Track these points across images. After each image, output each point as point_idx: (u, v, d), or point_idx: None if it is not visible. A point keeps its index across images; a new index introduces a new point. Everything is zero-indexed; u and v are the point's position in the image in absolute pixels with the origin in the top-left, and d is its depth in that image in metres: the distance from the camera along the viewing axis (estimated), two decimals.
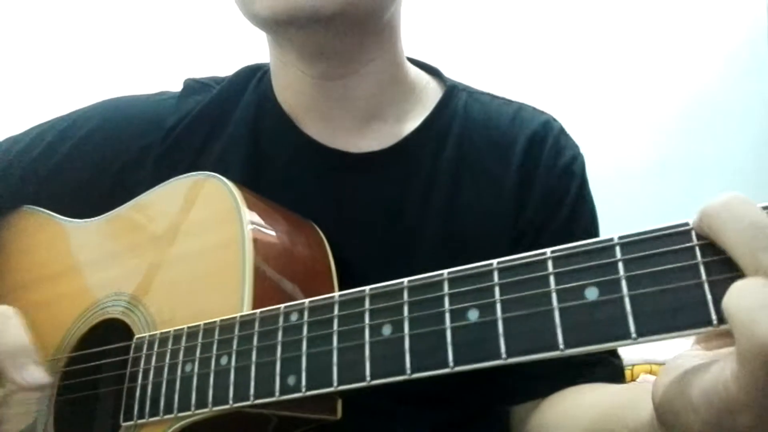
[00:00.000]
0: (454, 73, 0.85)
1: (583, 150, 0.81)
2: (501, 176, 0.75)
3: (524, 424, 0.73)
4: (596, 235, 0.78)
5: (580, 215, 0.77)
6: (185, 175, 0.72)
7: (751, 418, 0.34)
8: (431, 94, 0.80)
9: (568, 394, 0.69)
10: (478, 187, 0.75)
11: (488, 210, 0.74)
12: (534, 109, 0.82)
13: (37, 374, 0.61)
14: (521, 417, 0.74)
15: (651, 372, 1.57)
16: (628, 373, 1.54)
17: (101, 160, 0.81)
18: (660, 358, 1.53)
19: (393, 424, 0.72)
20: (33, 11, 2.22)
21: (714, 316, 0.35)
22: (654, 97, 2.14)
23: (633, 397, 0.53)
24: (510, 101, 0.82)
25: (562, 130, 0.80)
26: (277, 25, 0.67)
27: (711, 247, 0.36)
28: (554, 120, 0.80)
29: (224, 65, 0.90)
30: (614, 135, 2.11)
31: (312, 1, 0.63)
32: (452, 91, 0.80)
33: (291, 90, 0.77)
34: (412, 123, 0.77)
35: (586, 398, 0.66)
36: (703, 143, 2.09)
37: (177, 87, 0.86)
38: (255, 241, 0.62)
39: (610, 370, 0.72)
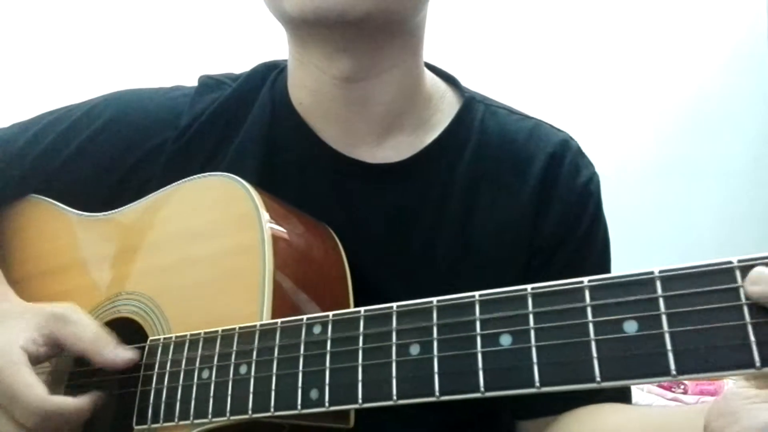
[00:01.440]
0: (457, 74, 0.84)
1: (583, 150, 0.82)
2: (518, 191, 0.75)
3: None
4: (609, 253, 0.79)
5: (595, 234, 0.77)
6: (202, 174, 0.71)
7: None
8: (449, 104, 0.80)
9: (584, 415, 0.69)
10: (493, 200, 0.75)
11: (504, 223, 0.74)
12: (551, 126, 0.81)
13: (124, 352, 0.63)
14: None
15: None
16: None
17: (114, 154, 0.79)
18: None
19: (400, 424, 0.72)
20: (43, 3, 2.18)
21: (757, 359, 0.35)
22: (654, 97, 2.14)
23: (668, 425, 0.53)
24: (527, 116, 0.82)
25: (579, 150, 0.80)
26: (305, 24, 0.66)
27: None
28: (571, 139, 0.81)
29: (239, 61, 0.89)
30: (614, 135, 2.12)
31: (341, 3, 0.63)
32: (470, 103, 0.80)
33: (309, 90, 0.76)
34: (430, 134, 0.77)
35: (604, 421, 0.66)
36: (703, 143, 2.10)
37: (191, 82, 0.85)
38: (275, 247, 0.62)
39: (620, 390, 0.72)
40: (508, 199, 0.75)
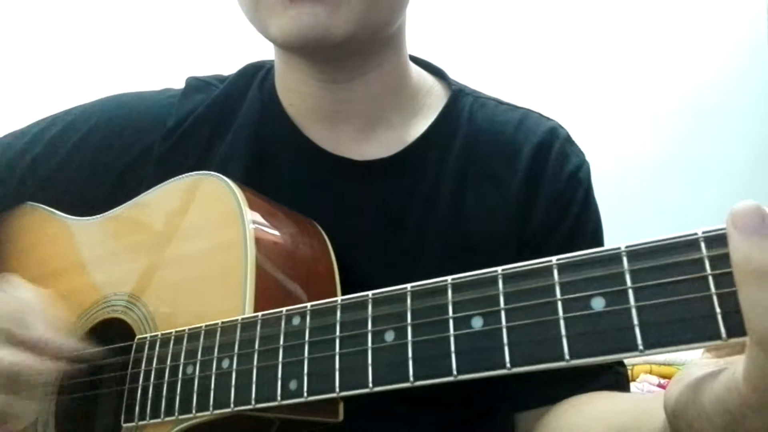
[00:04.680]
0: (455, 73, 0.84)
1: (583, 150, 0.81)
2: (507, 182, 0.75)
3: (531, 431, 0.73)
4: (601, 241, 0.79)
5: (585, 222, 0.77)
6: (187, 174, 0.72)
7: (764, 422, 0.34)
8: (436, 97, 0.80)
9: (576, 403, 0.69)
10: (483, 193, 0.75)
11: (494, 215, 0.74)
12: (540, 115, 0.81)
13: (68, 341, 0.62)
14: (527, 424, 0.73)
15: (650, 372, 1.57)
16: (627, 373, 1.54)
17: (103, 159, 0.80)
18: (660, 359, 1.53)
19: (395, 425, 0.72)
20: (34, 8, 2.21)
21: (723, 330, 0.35)
22: (654, 96, 2.14)
23: (648, 408, 0.53)
24: (516, 107, 0.82)
25: (568, 138, 0.79)
26: (288, 48, 0.69)
27: (720, 259, 0.36)
28: (560, 127, 0.80)
29: (227, 62, 0.90)
30: (614, 135, 2.11)
31: (324, 28, 0.64)
32: (458, 95, 0.80)
33: (296, 92, 0.77)
34: (417, 129, 0.77)
35: (597, 408, 0.66)
36: (703, 143, 2.09)
37: (179, 84, 0.85)
38: (257, 242, 0.62)
39: (616, 378, 0.72)
40: (498, 191, 0.75)
